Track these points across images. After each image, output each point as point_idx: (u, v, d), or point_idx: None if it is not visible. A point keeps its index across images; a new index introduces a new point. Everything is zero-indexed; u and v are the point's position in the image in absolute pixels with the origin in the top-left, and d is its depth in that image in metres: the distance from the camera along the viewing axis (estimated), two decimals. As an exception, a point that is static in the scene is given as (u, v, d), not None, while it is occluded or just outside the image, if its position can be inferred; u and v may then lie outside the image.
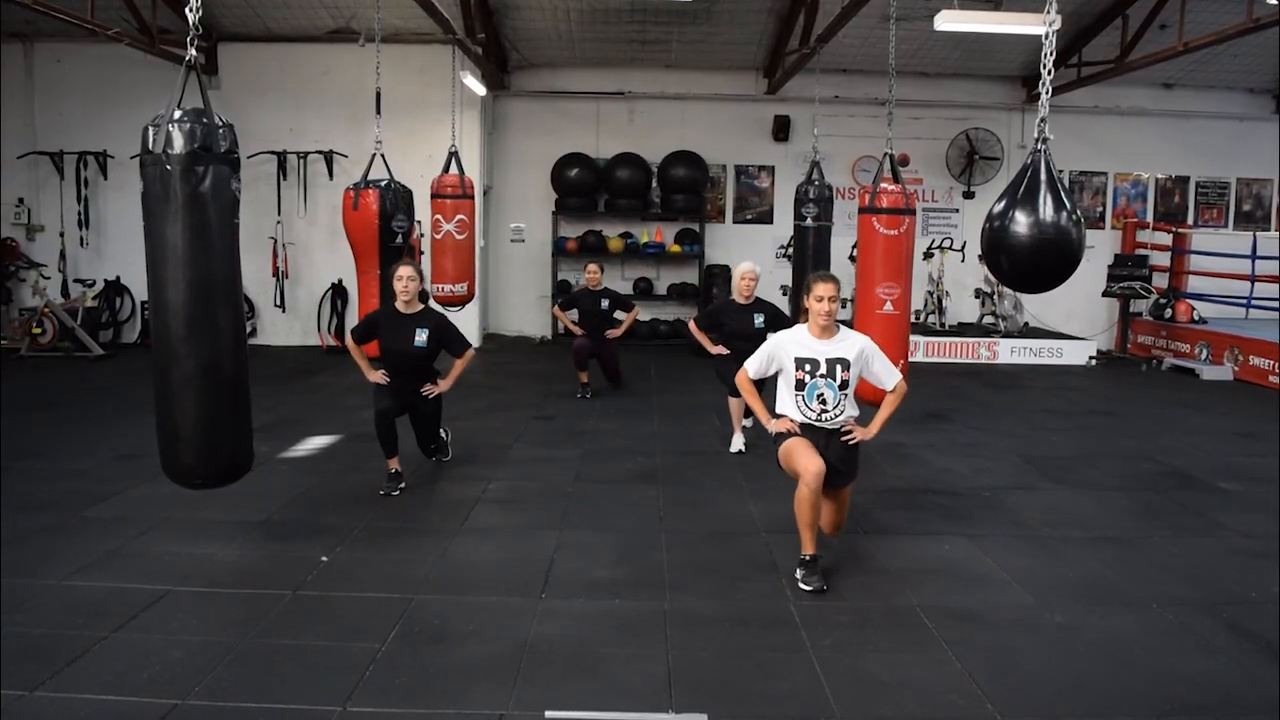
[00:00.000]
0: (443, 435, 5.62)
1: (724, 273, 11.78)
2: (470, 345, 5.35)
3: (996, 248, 3.85)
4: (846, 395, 4.01)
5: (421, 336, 5.11)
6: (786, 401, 4.08)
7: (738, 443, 6.26)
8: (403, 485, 5.17)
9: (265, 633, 3.40)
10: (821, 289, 3.98)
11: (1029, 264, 3.80)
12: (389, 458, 5.15)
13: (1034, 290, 4.04)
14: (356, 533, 4.51)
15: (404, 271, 5.15)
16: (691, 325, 6.51)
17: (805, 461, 3.89)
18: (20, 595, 3.64)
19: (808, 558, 3.93)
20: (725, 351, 6.22)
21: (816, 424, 4.02)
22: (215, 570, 4.01)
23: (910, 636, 3.49)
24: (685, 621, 3.58)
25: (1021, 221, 3.72)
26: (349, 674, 3.09)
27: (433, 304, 5.55)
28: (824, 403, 3.98)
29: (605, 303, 8.16)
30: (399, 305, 5.18)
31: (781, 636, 3.46)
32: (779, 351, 4.08)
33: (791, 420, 4.03)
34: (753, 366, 4.16)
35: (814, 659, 3.27)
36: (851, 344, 4.05)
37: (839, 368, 3.98)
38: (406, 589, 3.82)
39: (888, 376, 4.10)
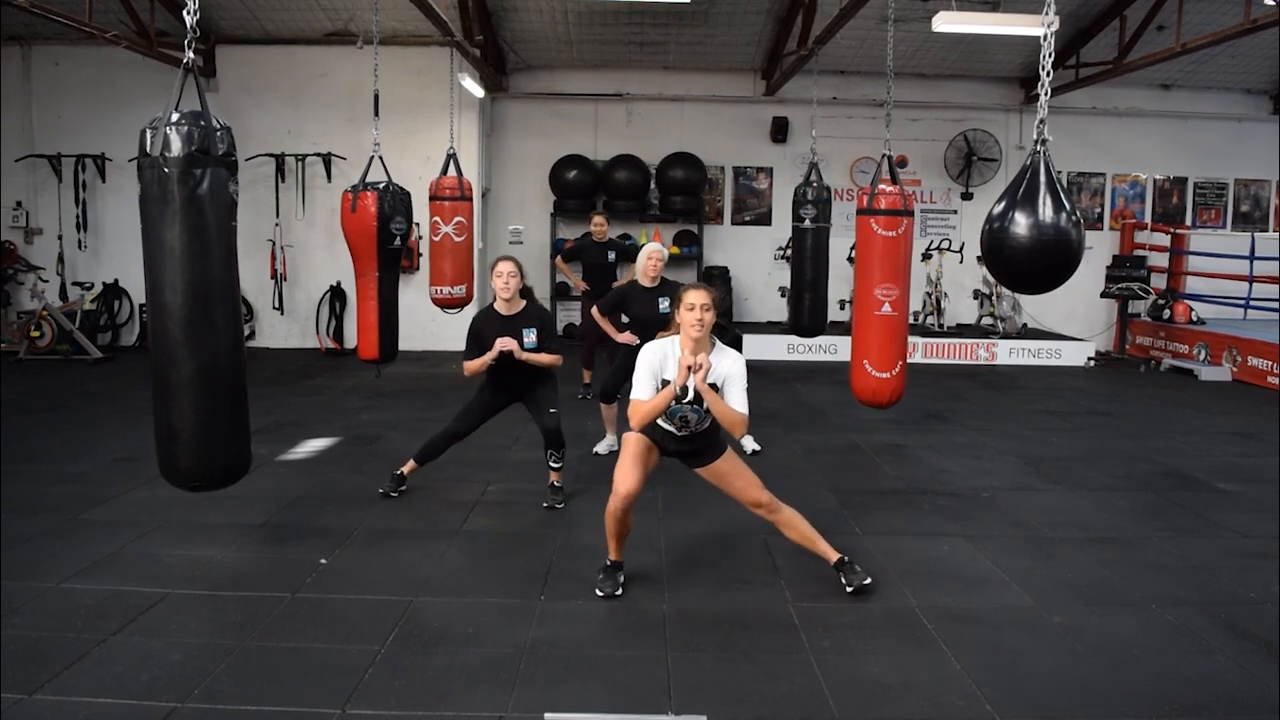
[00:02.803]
0: (561, 431, 5.05)
1: (723, 274, 11.80)
2: (560, 354, 4.94)
3: (996, 249, 3.84)
4: (710, 415, 3.74)
5: (530, 337, 4.76)
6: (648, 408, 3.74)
7: (606, 445, 6.21)
8: (404, 488, 5.17)
9: (264, 635, 3.40)
10: (693, 296, 3.62)
11: (1028, 265, 3.79)
12: (418, 461, 5.11)
13: (1034, 291, 4.03)
14: (355, 535, 4.51)
15: (504, 268, 4.77)
16: (595, 312, 6.06)
17: (622, 476, 3.74)
18: (19, 598, 3.64)
19: (608, 563, 3.94)
20: (634, 340, 5.73)
21: (674, 432, 3.82)
22: (214, 573, 4.01)
23: (909, 637, 3.48)
24: (684, 623, 3.57)
25: (1021, 223, 3.71)
26: (348, 676, 3.09)
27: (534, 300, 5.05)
28: (686, 423, 3.76)
29: (612, 255, 7.78)
30: (499, 306, 4.83)
31: (781, 638, 3.46)
32: (661, 366, 3.71)
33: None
34: (642, 389, 3.72)
35: (813, 660, 3.27)
36: (723, 359, 3.71)
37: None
38: (405, 591, 3.82)
39: (740, 405, 3.69)
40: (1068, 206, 3.71)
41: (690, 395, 3.62)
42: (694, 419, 3.74)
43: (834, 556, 3.91)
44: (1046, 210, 3.69)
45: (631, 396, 3.76)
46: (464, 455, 5.76)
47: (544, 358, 4.79)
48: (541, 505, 5.02)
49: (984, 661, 3.28)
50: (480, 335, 4.77)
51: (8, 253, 10.64)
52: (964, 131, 12.12)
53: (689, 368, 3.56)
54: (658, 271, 5.82)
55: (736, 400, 3.69)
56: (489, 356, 4.67)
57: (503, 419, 7.19)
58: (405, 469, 5.16)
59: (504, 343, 4.65)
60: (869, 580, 3.85)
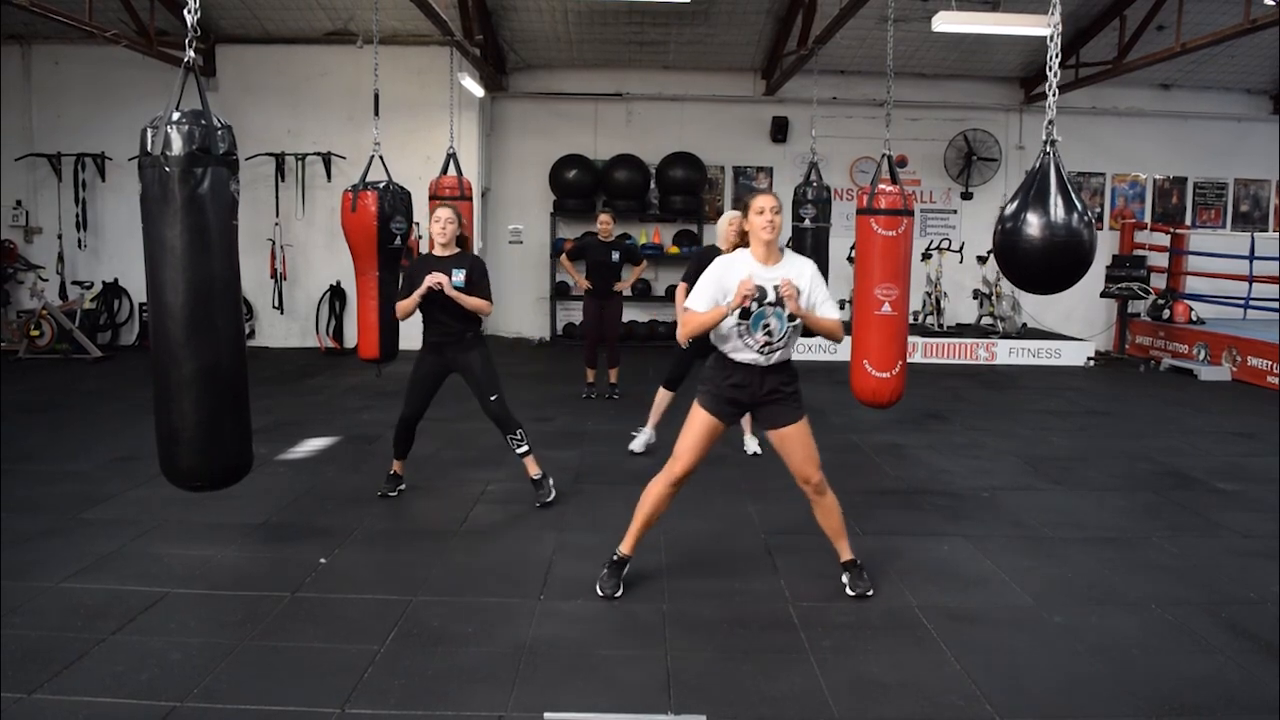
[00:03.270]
0: (506, 408, 5.01)
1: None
2: (491, 300, 4.99)
3: (1009, 251, 3.84)
4: (795, 326, 3.61)
5: (459, 276, 4.82)
6: (724, 336, 3.65)
7: (642, 442, 6.19)
8: (402, 488, 5.17)
9: (264, 635, 3.40)
10: (761, 201, 3.57)
11: (1041, 266, 3.79)
12: (398, 457, 5.13)
13: (1047, 292, 4.00)
14: (355, 534, 4.51)
15: (442, 214, 4.89)
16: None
17: (682, 451, 3.69)
18: (19, 597, 3.64)
19: (615, 558, 3.86)
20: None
21: (756, 358, 3.63)
22: (214, 572, 4.01)
23: (909, 637, 3.48)
24: (684, 623, 3.57)
25: (1033, 224, 3.71)
26: (347, 676, 3.09)
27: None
28: (770, 334, 3.58)
29: (616, 255, 7.77)
30: (436, 250, 4.93)
31: (780, 638, 3.46)
32: (726, 276, 3.60)
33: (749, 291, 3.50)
34: (699, 299, 3.62)
35: (813, 660, 3.27)
36: (801, 268, 3.66)
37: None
38: (405, 590, 3.82)
39: (833, 312, 3.69)
40: (1079, 207, 3.70)
41: (771, 295, 3.53)
42: (778, 326, 3.57)
43: (848, 556, 3.91)
44: (1058, 211, 3.68)
45: (685, 304, 3.68)
46: (464, 455, 5.78)
47: (471, 299, 4.84)
48: (536, 505, 5.01)
49: (984, 661, 3.28)
50: (413, 276, 4.84)
51: (7, 252, 10.64)
52: (964, 131, 12.12)
53: (746, 293, 3.46)
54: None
55: (828, 309, 3.67)
56: (419, 292, 4.73)
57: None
58: (395, 468, 5.17)
59: (433, 278, 4.71)
60: (871, 592, 3.84)
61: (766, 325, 3.58)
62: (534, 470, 5.05)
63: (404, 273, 4.97)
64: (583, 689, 3.06)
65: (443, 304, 4.79)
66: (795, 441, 3.73)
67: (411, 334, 5.54)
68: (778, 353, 3.65)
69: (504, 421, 4.98)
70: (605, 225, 7.80)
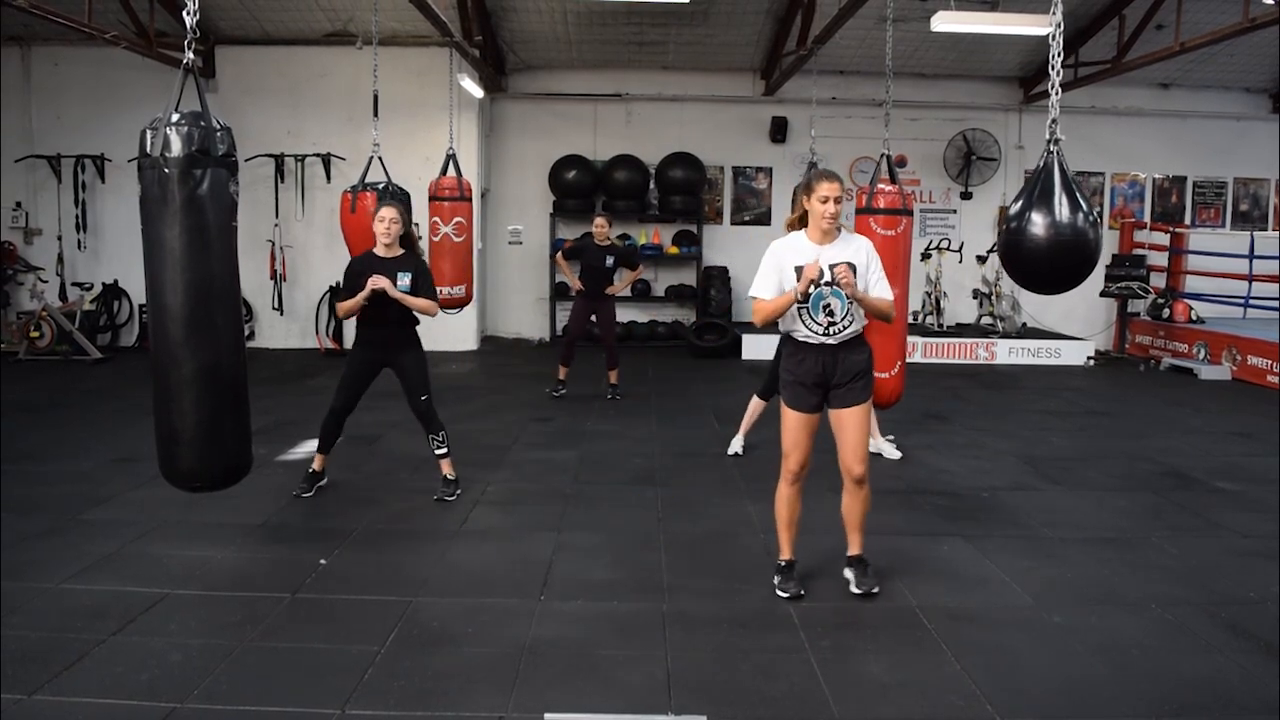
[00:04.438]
0: (433, 409, 5.08)
1: (722, 274, 11.80)
2: (437, 300, 5.07)
3: (1014, 251, 3.84)
4: (855, 304, 3.64)
5: (404, 280, 4.81)
6: (788, 319, 3.70)
7: (735, 447, 6.22)
8: (322, 484, 5.18)
9: (264, 636, 3.40)
10: (826, 188, 3.58)
11: (1047, 266, 3.79)
12: (321, 451, 5.14)
13: (1053, 291, 4.00)
14: (355, 535, 4.51)
15: (386, 213, 4.87)
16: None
17: (790, 448, 3.72)
18: (18, 598, 3.64)
19: (782, 563, 3.90)
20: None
21: (824, 338, 3.66)
22: (213, 573, 4.01)
23: (909, 637, 3.48)
24: (684, 623, 3.57)
25: (1038, 224, 3.71)
26: (348, 677, 3.09)
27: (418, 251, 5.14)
28: (832, 314, 3.62)
29: (610, 259, 7.80)
30: (378, 250, 4.91)
31: (780, 638, 3.46)
32: (785, 259, 3.66)
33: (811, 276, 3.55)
34: (764, 288, 3.67)
35: (813, 660, 3.27)
36: (857, 246, 3.69)
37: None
38: (405, 591, 3.82)
39: (885, 291, 3.71)
40: (1084, 206, 3.70)
41: (829, 276, 3.56)
42: (839, 306, 3.62)
43: (858, 551, 3.92)
44: (1063, 210, 3.68)
45: (751, 292, 3.74)
46: (464, 455, 5.77)
47: (417, 301, 4.86)
48: (540, 505, 5.01)
49: (984, 661, 3.28)
50: (356, 276, 4.82)
51: (7, 253, 10.63)
52: (963, 131, 12.12)
53: (812, 278, 3.53)
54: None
55: (882, 288, 3.69)
56: (362, 295, 4.72)
57: (501, 419, 7.24)
58: (317, 463, 5.17)
59: (376, 280, 4.71)
60: (876, 589, 3.84)
61: (827, 306, 3.63)
62: (448, 471, 5.14)
63: (347, 271, 4.94)
64: (583, 689, 3.06)
65: (385, 305, 4.80)
66: (854, 425, 3.74)
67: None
68: (845, 331, 3.69)
69: (429, 421, 5.06)
70: (601, 229, 7.82)
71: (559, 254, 8.32)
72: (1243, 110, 12.26)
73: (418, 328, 5.06)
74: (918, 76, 11.65)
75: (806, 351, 3.70)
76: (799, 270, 3.60)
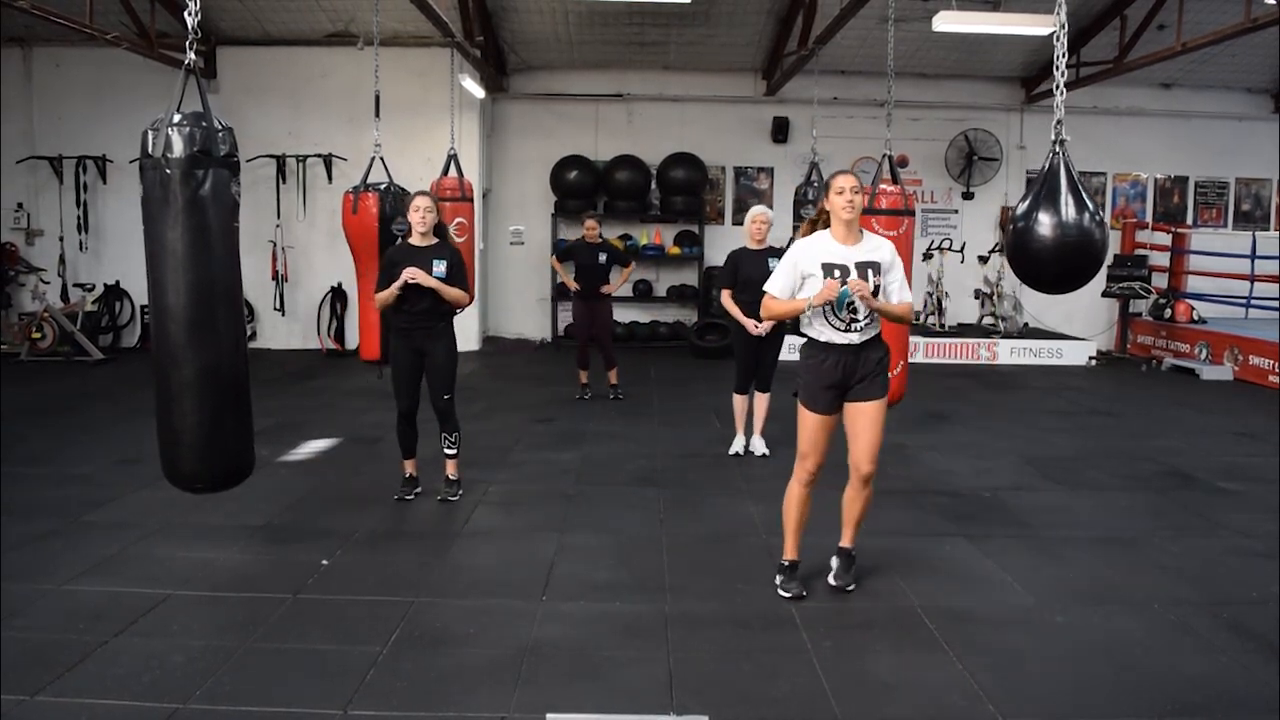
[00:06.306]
0: (453, 409, 5.08)
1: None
2: (469, 291, 5.05)
3: (1020, 251, 3.84)
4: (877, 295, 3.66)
5: (440, 268, 4.80)
6: (811, 316, 3.72)
7: (737, 445, 6.25)
8: (419, 490, 5.15)
9: (266, 637, 3.40)
10: (842, 181, 3.66)
11: (1053, 266, 3.79)
12: (408, 456, 5.13)
13: (1059, 291, 4.00)
14: (357, 536, 4.51)
15: (420, 202, 4.87)
16: (725, 297, 6.01)
17: (806, 448, 3.74)
18: (21, 600, 3.64)
19: (785, 563, 3.91)
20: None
21: (846, 337, 3.66)
22: (216, 574, 4.01)
23: (911, 637, 3.48)
24: (686, 623, 3.57)
25: (1045, 224, 3.71)
26: (350, 678, 3.09)
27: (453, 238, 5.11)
28: (854, 312, 3.63)
29: (602, 257, 7.88)
30: (414, 239, 4.91)
31: (782, 638, 3.46)
32: (803, 260, 3.71)
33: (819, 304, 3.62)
34: (777, 285, 3.75)
35: (815, 660, 3.27)
36: (882, 248, 3.75)
37: (870, 272, 3.64)
38: (407, 592, 3.82)
39: (904, 296, 3.76)
40: (1090, 206, 3.70)
41: (854, 274, 3.61)
42: (862, 306, 3.64)
43: (849, 544, 3.94)
44: (1069, 210, 3.68)
45: (764, 287, 3.80)
46: (465, 455, 5.77)
47: (451, 290, 4.85)
48: (542, 506, 5.01)
49: (985, 661, 3.28)
50: (393, 266, 4.81)
51: (9, 254, 10.65)
52: (965, 131, 12.11)
53: (829, 297, 3.59)
54: (764, 234, 6.06)
55: (903, 292, 3.75)
56: (396, 285, 4.73)
57: (503, 420, 7.24)
58: (408, 469, 5.16)
59: (411, 272, 4.71)
60: (851, 587, 3.88)
61: (851, 304, 3.64)
62: (452, 472, 5.14)
63: (383, 262, 4.95)
64: (585, 690, 3.06)
65: (420, 293, 4.79)
66: (869, 421, 3.73)
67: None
68: (866, 330, 3.70)
69: (447, 420, 5.05)
70: (591, 230, 7.92)
71: (553, 256, 8.37)
72: (1244, 110, 12.25)
73: (452, 318, 5.04)
74: (919, 76, 11.64)
75: (828, 353, 3.71)
76: (827, 268, 3.64)
